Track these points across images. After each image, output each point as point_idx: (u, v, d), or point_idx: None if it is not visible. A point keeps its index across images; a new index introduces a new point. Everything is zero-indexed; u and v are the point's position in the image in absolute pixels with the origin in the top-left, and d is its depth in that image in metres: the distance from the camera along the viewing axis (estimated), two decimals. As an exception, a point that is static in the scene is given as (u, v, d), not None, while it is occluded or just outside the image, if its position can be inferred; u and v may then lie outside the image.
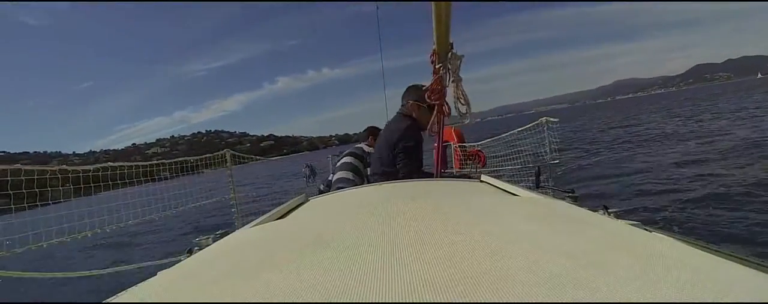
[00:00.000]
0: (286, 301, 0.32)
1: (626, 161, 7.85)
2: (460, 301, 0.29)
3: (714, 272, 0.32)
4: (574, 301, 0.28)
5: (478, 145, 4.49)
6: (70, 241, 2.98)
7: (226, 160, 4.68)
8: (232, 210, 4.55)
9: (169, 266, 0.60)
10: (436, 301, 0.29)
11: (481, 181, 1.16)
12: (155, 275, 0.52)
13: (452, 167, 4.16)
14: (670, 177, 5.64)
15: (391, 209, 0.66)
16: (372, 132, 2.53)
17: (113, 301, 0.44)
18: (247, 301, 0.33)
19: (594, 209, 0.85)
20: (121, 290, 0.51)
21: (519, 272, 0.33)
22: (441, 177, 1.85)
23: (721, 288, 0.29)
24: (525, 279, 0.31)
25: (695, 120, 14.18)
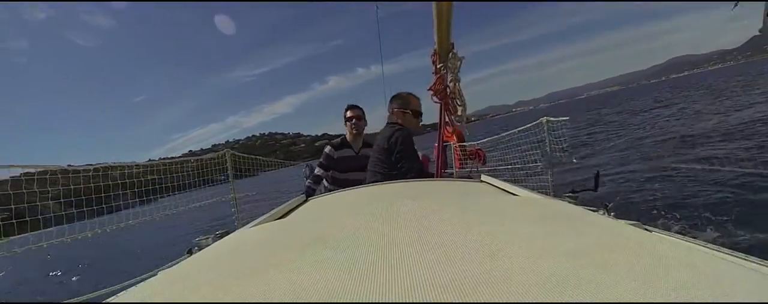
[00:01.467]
0: (286, 301, 0.32)
1: (640, 158, 7.31)
2: (461, 301, 0.29)
3: (714, 272, 0.32)
4: (574, 301, 0.28)
5: (477, 143, 4.49)
6: (69, 241, 3.02)
7: (226, 160, 4.67)
8: (232, 210, 4.57)
9: (170, 266, 0.60)
10: (436, 301, 0.29)
11: (482, 181, 1.16)
12: (155, 274, 0.52)
13: (453, 167, 4.15)
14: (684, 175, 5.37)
15: (391, 209, 0.66)
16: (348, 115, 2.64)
17: (113, 301, 0.44)
18: (247, 301, 0.33)
19: (594, 209, 0.85)
20: (123, 290, 0.51)
21: (519, 272, 0.33)
22: (441, 177, 1.86)
23: (721, 288, 0.29)
24: (525, 279, 0.31)
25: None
